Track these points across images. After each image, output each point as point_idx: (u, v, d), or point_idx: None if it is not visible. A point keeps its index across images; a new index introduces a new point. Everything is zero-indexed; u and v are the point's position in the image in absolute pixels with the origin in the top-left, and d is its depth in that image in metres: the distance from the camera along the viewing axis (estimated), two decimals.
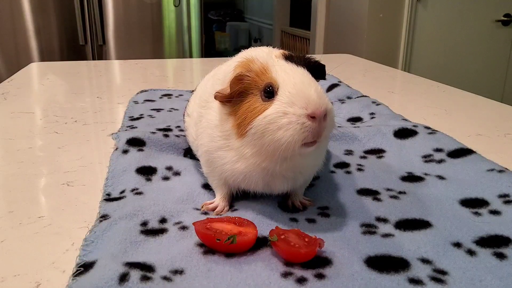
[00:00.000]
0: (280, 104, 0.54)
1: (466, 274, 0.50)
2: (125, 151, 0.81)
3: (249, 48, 0.66)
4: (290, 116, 0.53)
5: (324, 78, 0.63)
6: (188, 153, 0.85)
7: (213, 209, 0.65)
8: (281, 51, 0.63)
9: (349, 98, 1.24)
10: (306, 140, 0.54)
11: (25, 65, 1.82)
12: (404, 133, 0.92)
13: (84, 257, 0.52)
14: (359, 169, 0.80)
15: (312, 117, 0.53)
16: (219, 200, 0.66)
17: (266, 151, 0.57)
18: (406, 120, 1.04)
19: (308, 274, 0.50)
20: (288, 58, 0.60)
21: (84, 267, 0.49)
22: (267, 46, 0.67)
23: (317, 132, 0.54)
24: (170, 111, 1.15)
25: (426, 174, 0.78)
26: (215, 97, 0.60)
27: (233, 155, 0.61)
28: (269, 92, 0.56)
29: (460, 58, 3.13)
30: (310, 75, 0.58)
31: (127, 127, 1.00)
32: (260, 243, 0.55)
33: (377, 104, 1.15)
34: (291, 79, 0.56)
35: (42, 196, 0.70)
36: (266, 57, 0.60)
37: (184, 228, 0.59)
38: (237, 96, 0.59)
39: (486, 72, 3.17)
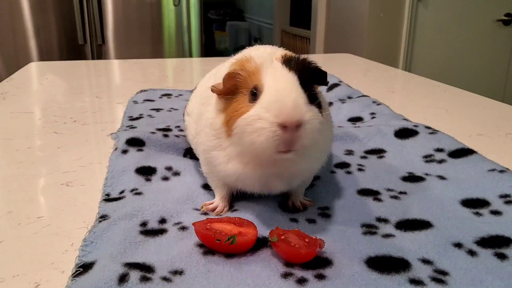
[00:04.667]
0: (259, 108, 0.54)
1: (467, 275, 0.50)
2: (124, 151, 0.81)
3: (255, 46, 0.65)
4: (263, 122, 0.53)
5: (325, 84, 0.62)
6: (188, 153, 0.84)
7: (213, 210, 0.65)
8: (284, 52, 0.62)
9: (349, 98, 1.24)
10: (279, 148, 0.53)
11: (24, 64, 1.81)
12: (404, 133, 0.92)
13: (83, 258, 0.51)
14: (360, 169, 0.80)
15: (284, 126, 0.52)
16: (219, 201, 0.66)
17: (247, 152, 0.57)
18: (406, 120, 1.04)
19: (308, 274, 0.50)
20: (286, 61, 0.59)
21: (84, 268, 0.49)
22: (265, 45, 0.66)
23: (288, 142, 0.53)
24: (169, 111, 1.14)
25: (427, 174, 0.77)
26: (212, 90, 0.61)
27: (224, 155, 0.62)
28: (254, 94, 0.56)
29: (461, 57, 3.13)
30: (298, 83, 0.55)
31: (127, 127, 1.00)
32: (260, 243, 0.55)
33: (378, 104, 1.15)
34: (275, 84, 0.55)
35: (41, 197, 0.70)
36: (264, 58, 0.59)
37: (183, 228, 0.59)
38: (230, 94, 0.59)
39: (487, 72, 3.17)
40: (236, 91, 0.59)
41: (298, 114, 0.52)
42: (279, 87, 0.54)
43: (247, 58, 0.60)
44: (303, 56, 0.61)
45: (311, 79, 0.58)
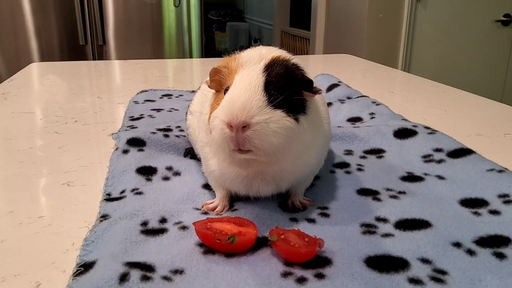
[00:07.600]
0: (219, 107, 0.57)
1: (466, 274, 0.50)
2: (125, 151, 0.81)
3: (259, 47, 0.65)
4: (217, 120, 0.55)
5: (311, 92, 0.60)
6: (188, 153, 0.85)
7: (213, 209, 0.65)
8: (279, 54, 0.62)
9: (349, 98, 1.24)
10: (230, 146, 0.55)
11: (25, 65, 1.82)
12: (404, 133, 0.92)
13: (84, 257, 0.52)
14: (359, 169, 0.80)
15: (230, 126, 0.53)
16: (219, 200, 0.66)
17: (215, 149, 0.60)
18: (406, 120, 1.04)
19: (308, 274, 0.50)
20: (270, 63, 0.58)
21: (84, 267, 0.49)
22: (267, 46, 0.66)
23: (235, 141, 0.54)
24: (170, 111, 1.15)
25: (426, 174, 0.78)
26: (206, 82, 0.64)
27: (211, 150, 0.64)
28: (225, 93, 0.58)
29: (460, 58, 3.13)
30: (261, 86, 0.55)
31: (127, 127, 1.00)
32: (260, 243, 0.55)
33: (377, 104, 1.15)
34: (235, 85, 0.57)
35: (42, 196, 0.71)
36: (251, 57, 0.60)
37: (184, 228, 0.59)
38: (216, 90, 0.63)
39: (485, 72, 3.17)
40: (221, 88, 0.62)
41: (244, 115, 0.53)
42: (236, 88, 0.56)
43: (234, 57, 0.62)
44: (294, 60, 0.61)
45: (292, 84, 0.57)
